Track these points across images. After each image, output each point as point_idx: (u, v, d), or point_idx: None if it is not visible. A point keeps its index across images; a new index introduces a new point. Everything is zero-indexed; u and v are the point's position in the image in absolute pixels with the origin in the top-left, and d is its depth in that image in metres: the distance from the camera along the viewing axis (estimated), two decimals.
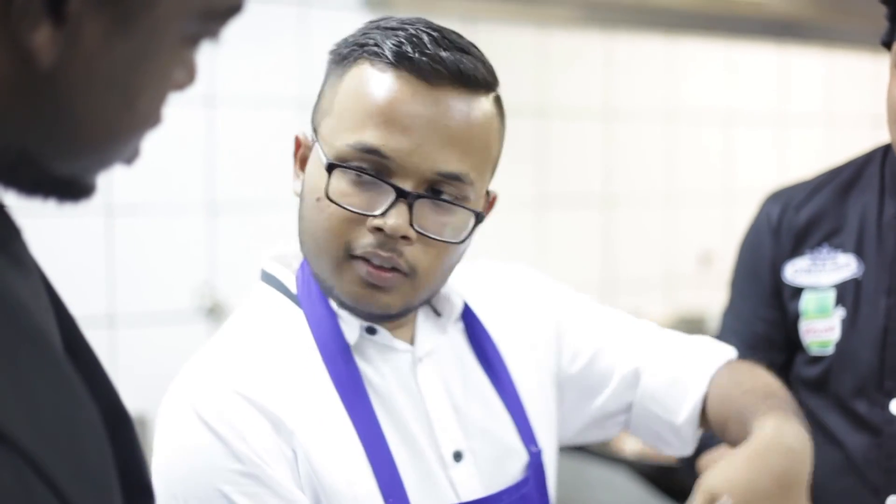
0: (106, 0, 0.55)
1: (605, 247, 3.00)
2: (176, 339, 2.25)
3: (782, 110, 3.38)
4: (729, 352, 1.24)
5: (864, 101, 3.36)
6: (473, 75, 1.02)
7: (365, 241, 1.01)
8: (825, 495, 1.22)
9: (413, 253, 1.02)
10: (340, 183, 1.02)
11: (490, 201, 1.13)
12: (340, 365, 1.05)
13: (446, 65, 1.01)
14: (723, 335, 1.49)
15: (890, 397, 1.34)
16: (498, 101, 1.08)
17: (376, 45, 1.03)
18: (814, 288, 1.41)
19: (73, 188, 0.62)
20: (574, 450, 2.33)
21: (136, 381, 1.90)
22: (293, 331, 1.07)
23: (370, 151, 1.01)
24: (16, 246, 0.61)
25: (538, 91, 2.83)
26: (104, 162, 0.62)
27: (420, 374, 1.10)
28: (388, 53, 1.01)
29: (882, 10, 1.34)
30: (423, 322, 1.13)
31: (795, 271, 1.44)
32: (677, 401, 1.21)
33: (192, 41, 0.62)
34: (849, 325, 1.38)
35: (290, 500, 0.98)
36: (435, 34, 1.02)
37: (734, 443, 1.10)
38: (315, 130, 1.08)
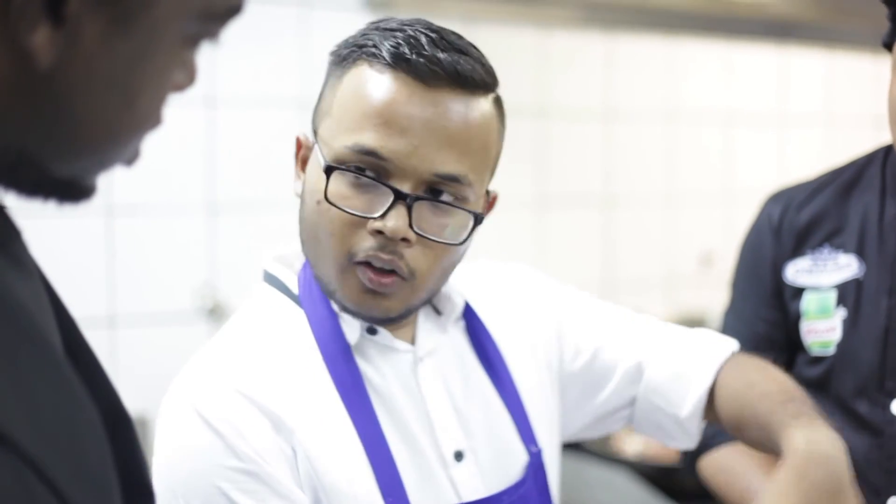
0: (105, 0, 0.55)
1: (605, 247, 3.00)
2: (176, 340, 2.25)
3: (783, 111, 3.38)
4: (732, 344, 1.25)
5: (864, 101, 3.36)
6: (471, 76, 1.02)
7: (366, 245, 1.01)
8: None
9: (413, 255, 1.02)
10: (339, 185, 1.02)
11: (490, 201, 1.13)
12: (341, 365, 1.05)
13: (443, 66, 1.01)
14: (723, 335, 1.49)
15: (891, 398, 1.34)
16: (497, 101, 1.08)
17: (374, 46, 1.03)
18: (815, 288, 1.42)
19: (74, 189, 0.62)
20: (574, 450, 2.33)
21: (136, 381, 1.90)
22: (294, 331, 1.07)
23: (368, 153, 1.01)
24: (16, 247, 0.61)
25: (538, 91, 2.83)
26: (104, 163, 0.62)
27: (421, 373, 1.10)
28: (385, 55, 1.01)
29: (883, 11, 1.34)
30: (423, 322, 1.14)
31: (796, 271, 1.44)
32: (681, 393, 1.21)
33: (192, 42, 0.62)
34: (850, 326, 1.38)
35: (290, 498, 0.98)
36: (433, 35, 1.02)
37: (754, 446, 1.14)
38: (315, 132, 1.08)
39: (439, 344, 1.14)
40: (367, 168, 1.01)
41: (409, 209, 1.00)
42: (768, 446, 1.08)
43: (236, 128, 2.36)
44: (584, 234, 2.96)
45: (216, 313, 2.30)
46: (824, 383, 1.39)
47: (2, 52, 0.55)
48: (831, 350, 1.39)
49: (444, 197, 1.03)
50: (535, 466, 1.15)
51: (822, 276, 1.41)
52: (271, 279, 1.12)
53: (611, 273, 3.00)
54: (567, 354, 1.24)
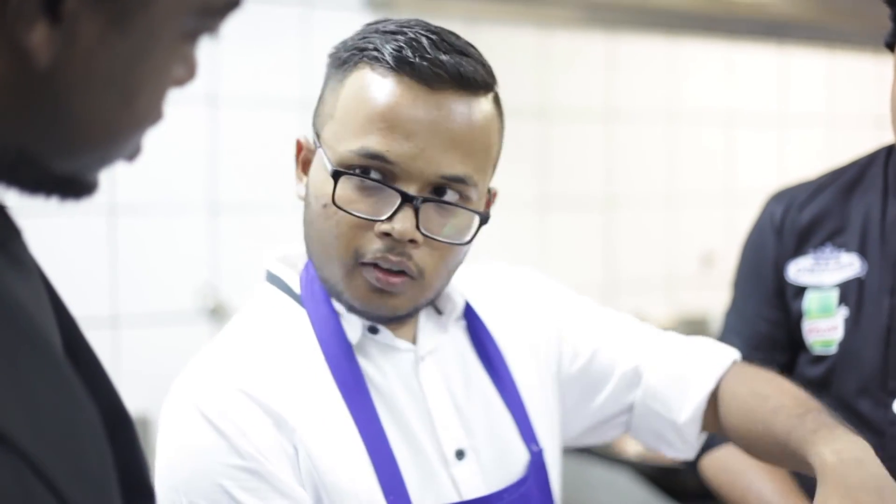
0: None
1: (606, 248, 3.00)
2: (178, 340, 2.25)
3: (783, 111, 3.37)
4: (732, 353, 1.24)
5: (866, 102, 3.35)
6: (473, 77, 1.03)
7: (374, 247, 1.02)
8: None
9: (420, 256, 1.03)
10: (346, 189, 1.02)
11: (490, 198, 1.13)
12: (343, 364, 1.05)
13: (447, 68, 1.01)
14: (725, 335, 1.49)
15: (893, 397, 1.34)
16: (497, 99, 1.08)
17: (376, 49, 1.03)
18: (817, 287, 1.41)
19: (75, 186, 0.62)
20: (576, 451, 2.33)
21: (138, 381, 1.90)
22: (296, 330, 1.07)
23: (374, 157, 1.01)
24: (16, 246, 0.61)
25: (539, 92, 2.83)
26: (105, 159, 0.62)
27: (422, 372, 1.10)
28: (388, 58, 1.02)
29: (884, 11, 1.34)
30: (424, 321, 1.14)
31: (798, 271, 1.43)
32: (679, 399, 1.20)
33: (191, 37, 0.62)
34: (852, 325, 1.38)
35: (292, 496, 0.98)
36: (434, 37, 1.02)
37: (764, 459, 1.16)
38: (317, 135, 1.08)
39: (440, 343, 1.14)
40: (372, 170, 1.02)
41: (416, 211, 1.01)
42: (784, 462, 1.06)
43: (238, 128, 2.36)
44: (585, 235, 2.96)
45: (218, 313, 2.30)
46: (826, 383, 1.39)
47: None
48: (833, 349, 1.39)
49: (449, 197, 1.04)
50: (537, 465, 1.15)
51: (823, 275, 1.41)
52: (274, 279, 1.13)
53: (612, 273, 3.00)
54: (566, 357, 1.24)
